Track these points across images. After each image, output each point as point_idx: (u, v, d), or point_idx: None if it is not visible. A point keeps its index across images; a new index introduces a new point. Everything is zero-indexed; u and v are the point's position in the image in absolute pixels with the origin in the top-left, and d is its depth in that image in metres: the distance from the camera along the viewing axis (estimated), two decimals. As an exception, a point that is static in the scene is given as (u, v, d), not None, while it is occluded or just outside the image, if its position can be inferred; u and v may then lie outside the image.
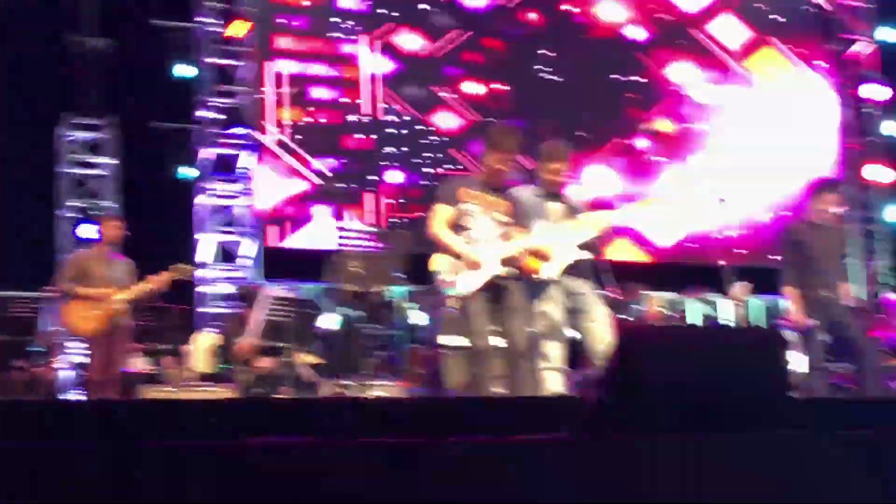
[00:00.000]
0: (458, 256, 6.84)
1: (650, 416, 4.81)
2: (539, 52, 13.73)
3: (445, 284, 6.83)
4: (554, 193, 7.30)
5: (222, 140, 12.92)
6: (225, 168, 12.97)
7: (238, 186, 12.90)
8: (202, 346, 9.99)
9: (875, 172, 14.43)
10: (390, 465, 4.11)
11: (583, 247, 7.14)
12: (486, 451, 4.40)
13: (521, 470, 4.35)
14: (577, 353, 7.49)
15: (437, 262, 6.89)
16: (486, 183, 7.06)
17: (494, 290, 6.88)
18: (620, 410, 4.84)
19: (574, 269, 7.14)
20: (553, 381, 7.07)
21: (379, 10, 13.32)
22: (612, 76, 14.02)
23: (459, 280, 6.80)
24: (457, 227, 6.96)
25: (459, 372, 9.25)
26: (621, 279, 7.32)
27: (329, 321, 11.30)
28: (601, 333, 7.11)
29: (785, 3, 14.95)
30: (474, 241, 6.91)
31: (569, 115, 13.31)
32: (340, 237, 8.22)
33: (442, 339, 9.39)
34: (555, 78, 13.66)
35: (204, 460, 3.80)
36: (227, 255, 12.88)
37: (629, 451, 4.59)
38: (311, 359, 10.23)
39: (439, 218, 6.96)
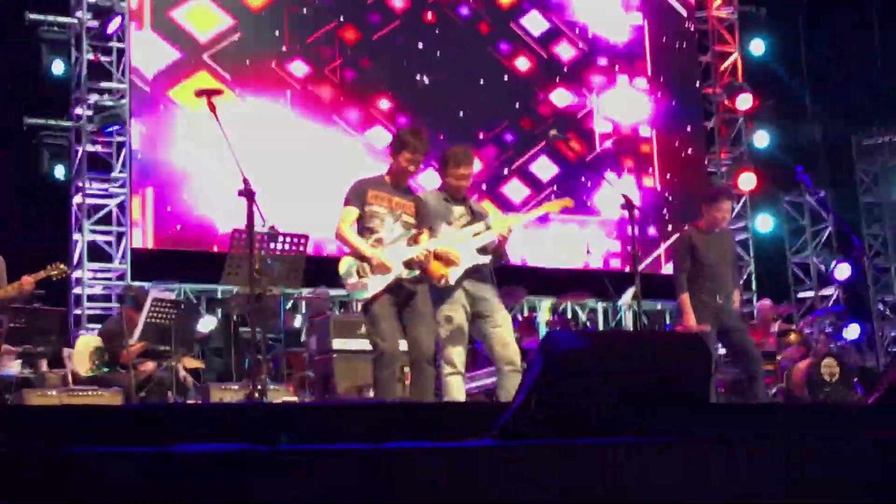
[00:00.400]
0: (365, 259, 6.79)
1: (575, 419, 4.84)
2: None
3: (354, 287, 6.78)
4: (458, 198, 7.29)
5: (98, 138, 12.59)
6: (102, 167, 12.66)
7: (114, 186, 12.60)
8: (84, 349, 9.73)
9: (748, 181, 14.75)
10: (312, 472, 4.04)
11: (485, 251, 7.14)
12: (416, 457, 4.36)
13: (451, 475, 4.31)
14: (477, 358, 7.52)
15: (345, 265, 6.84)
16: (394, 184, 7.04)
17: (400, 293, 6.85)
18: (545, 414, 4.85)
19: (476, 273, 7.14)
20: (456, 387, 7.05)
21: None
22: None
23: (369, 283, 6.76)
24: (364, 228, 6.93)
25: (352, 376, 9.22)
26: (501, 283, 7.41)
27: (207, 324, 11.15)
28: (504, 338, 7.12)
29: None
30: (381, 244, 6.87)
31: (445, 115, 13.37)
32: (235, 238, 8.07)
33: (336, 344, 9.35)
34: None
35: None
36: (103, 254, 12.56)
37: (552, 455, 4.59)
38: (194, 363, 10.07)
39: (347, 220, 6.92)
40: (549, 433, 4.75)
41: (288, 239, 8.33)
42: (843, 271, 15.09)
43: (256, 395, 6.26)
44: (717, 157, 15.36)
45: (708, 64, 15.48)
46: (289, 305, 11.57)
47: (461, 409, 5.95)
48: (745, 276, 14.90)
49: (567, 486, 4.45)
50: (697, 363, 5.07)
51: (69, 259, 12.07)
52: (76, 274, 12.19)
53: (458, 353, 7.08)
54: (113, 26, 12.62)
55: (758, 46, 15.58)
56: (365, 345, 9.49)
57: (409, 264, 6.85)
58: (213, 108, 6.15)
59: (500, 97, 13.93)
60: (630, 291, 9.47)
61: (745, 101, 15.09)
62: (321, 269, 9.79)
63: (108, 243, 12.62)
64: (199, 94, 6.30)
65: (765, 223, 15.40)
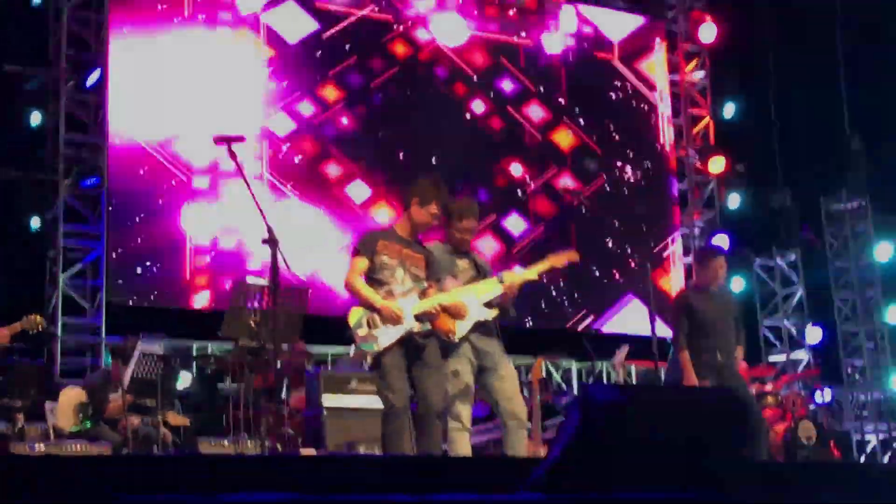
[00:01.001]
0: (377, 311, 6.71)
1: (613, 474, 4.79)
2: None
3: (364, 339, 6.70)
4: (463, 250, 7.26)
5: (76, 190, 12.46)
6: (79, 218, 12.50)
7: (91, 236, 12.44)
8: (68, 403, 9.52)
9: (721, 243, 14.83)
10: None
11: (491, 305, 7.10)
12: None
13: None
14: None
15: (356, 316, 6.75)
16: (403, 235, 6.98)
17: (410, 347, 6.77)
18: (583, 468, 4.79)
19: (483, 328, 7.10)
20: (463, 444, 6.99)
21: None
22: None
23: (379, 335, 6.68)
24: (372, 280, 6.86)
25: (342, 433, 9.10)
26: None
27: (184, 380, 11.00)
28: (510, 392, 7.07)
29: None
30: (392, 296, 6.80)
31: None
32: (236, 288, 7.97)
33: (326, 400, 9.24)
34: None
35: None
36: (77, 307, 12.38)
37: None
38: (178, 419, 9.89)
39: (356, 270, 6.84)
40: (586, 487, 4.69)
41: (291, 292, 8.23)
42: (814, 335, 15.22)
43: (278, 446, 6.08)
44: (691, 218, 15.43)
45: (680, 127, 15.59)
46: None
47: (483, 463, 5.88)
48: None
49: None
50: (735, 419, 5.04)
51: (46, 310, 11.86)
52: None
53: (464, 409, 7.03)
54: (92, 79, 12.52)
55: (729, 110, 15.77)
56: (355, 401, 9.51)
57: (421, 317, 6.77)
58: (233, 155, 6.08)
59: (475, 155, 13.95)
60: (624, 350, 9.44)
61: (717, 164, 15.23)
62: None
63: (83, 296, 12.44)
64: (219, 140, 6.20)
65: (737, 286, 15.47)
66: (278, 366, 11.32)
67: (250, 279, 8.78)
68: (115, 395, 9.39)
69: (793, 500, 4.83)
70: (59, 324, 12.09)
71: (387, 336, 6.70)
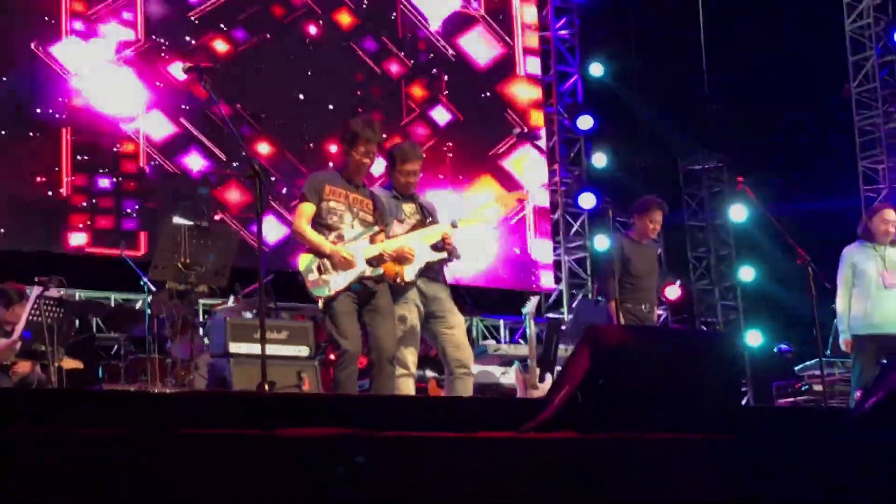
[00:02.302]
0: (327, 256, 6.57)
1: (616, 414, 4.80)
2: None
3: (315, 284, 6.55)
4: (407, 194, 7.17)
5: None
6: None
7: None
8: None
9: (587, 200, 15.02)
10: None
11: (437, 248, 7.04)
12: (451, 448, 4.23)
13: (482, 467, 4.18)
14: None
15: (305, 262, 6.60)
16: (348, 179, 6.85)
17: (362, 292, 6.65)
18: (590, 409, 4.79)
19: (430, 272, 7.03)
20: (407, 388, 6.92)
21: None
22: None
23: (330, 280, 6.54)
24: (320, 224, 6.70)
25: (249, 380, 8.88)
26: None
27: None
28: (458, 340, 7.03)
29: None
30: (342, 241, 6.66)
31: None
32: (165, 230, 7.69)
33: (232, 347, 9.00)
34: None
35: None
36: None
37: (596, 449, 4.54)
38: (73, 363, 9.51)
39: (304, 215, 6.68)
40: (592, 429, 4.68)
41: (220, 234, 7.98)
42: (672, 292, 15.57)
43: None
44: (556, 175, 15.57)
45: (549, 84, 15.70)
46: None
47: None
48: (581, 295, 15.19)
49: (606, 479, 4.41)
50: (731, 363, 5.11)
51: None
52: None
53: (410, 354, 6.98)
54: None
55: (597, 69, 15.96)
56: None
57: (372, 261, 6.65)
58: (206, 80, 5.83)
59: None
60: (534, 301, 9.48)
61: (585, 122, 15.39)
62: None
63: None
64: (189, 70, 5.94)
65: (601, 243, 15.70)
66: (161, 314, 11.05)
67: (177, 219, 8.45)
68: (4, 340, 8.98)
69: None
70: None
71: (338, 281, 6.57)
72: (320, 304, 6.58)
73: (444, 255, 7.02)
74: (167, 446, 3.65)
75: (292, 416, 4.93)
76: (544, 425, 4.76)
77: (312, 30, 13.63)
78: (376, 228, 6.78)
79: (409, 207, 7.13)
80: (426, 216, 7.15)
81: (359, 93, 13.84)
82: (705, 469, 4.40)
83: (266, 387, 5.78)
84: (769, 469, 4.48)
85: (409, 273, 6.85)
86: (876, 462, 4.83)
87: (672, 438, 4.48)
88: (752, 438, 4.67)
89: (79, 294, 11.58)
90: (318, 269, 6.57)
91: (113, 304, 11.86)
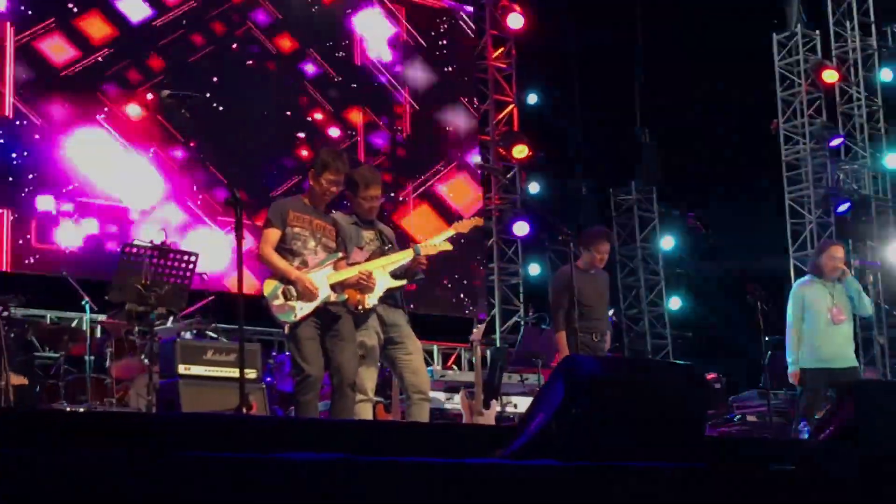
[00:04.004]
0: (291, 282, 6.63)
1: (588, 443, 4.92)
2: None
3: (280, 309, 6.60)
4: (368, 220, 7.25)
5: None
6: None
7: None
8: None
9: (521, 228, 15.15)
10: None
11: (398, 275, 7.12)
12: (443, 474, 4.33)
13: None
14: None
15: (270, 287, 6.65)
16: (313, 206, 6.92)
17: (325, 317, 6.72)
18: (565, 439, 4.90)
19: (390, 299, 7.12)
20: (365, 413, 6.99)
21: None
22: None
23: (296, 306, 6.60)
24: (284, 250, 6.76)
25: (199, 403, 8.89)
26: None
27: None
28: (415, 366, 7.12)
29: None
30: (306, 266, 6.73)
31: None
32: (125, 252, 7.68)
33: (181, 369, 8.99)
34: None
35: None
36: None
37: (574, 476, 4.65)
38: (18, 378, 9.40)
39: (270, 241, 6.74)
40: (566, 458, 4.80)
41: (179, 256, 7.97)
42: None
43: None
44: (491, 202, 15.72)
45: (486, 112, 15.86)
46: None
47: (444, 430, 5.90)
48: (513, 321, 15.33)
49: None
50: (698, 394, 5.26)
51: None
52: None
53: (370, 380, 7.04)
54: None
55: (532, 98, 16.18)
56: (213, 371, 9.30)
57: (336, 287, 6.73)
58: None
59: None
60: (480, 327, 9.60)
61: (520, 151, 15.55)
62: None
63: None
64: (172, 96, 5.98)
65: (534, 270, 15.90)
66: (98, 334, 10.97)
67: (138, 241, 8.44)
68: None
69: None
70: None
71: (303, 307, 6.63)
72: (286, 329, 6.63)
73: (403, 281, 7.11)
74: (163, 469, 3.69)
75: (265, 440, 5.00)
76: (520, 453, 4.88)
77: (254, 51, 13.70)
78: (339, 254, 6.85)
79: (368, 234, 7.21)
80: (385, 243, 7.23)
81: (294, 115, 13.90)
82: (679, 498, 4.53)
83: (245, 409, 5.81)
84: (739, 499, 4.63)
85: (370, 300, 6.92)
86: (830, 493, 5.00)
87: (646, 467, 4.61)
88: (721, 467, 4.82)
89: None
90: (284, 294, 6.63)
91: (48, 322, 11.74)
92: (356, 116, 14.47)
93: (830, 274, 8.90)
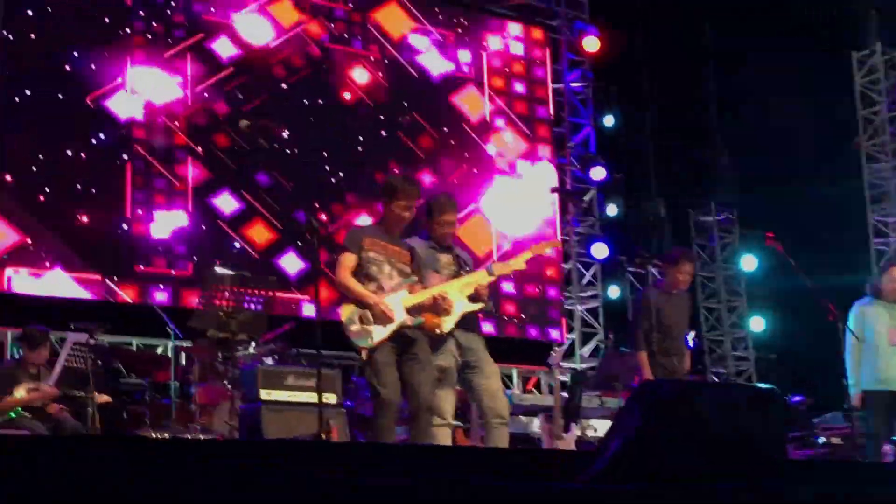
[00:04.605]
0: (368, 306, 6.68)
1: (669, 467, 4.89)
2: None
3: (357, 334, 6.66)
4: (444, 245, 7.30)
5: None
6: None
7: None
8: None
9: (600, 250, 15.10)
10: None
11: (475, 298, 7.15)
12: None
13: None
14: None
15: (347, 312, 6.70)
16: (387, 232, 6.98)
17: (401, 341, 6.77)
18: (642, 464, 4.88)
19: (466, 323, 7.14)
20: (444, 437, 7.01)
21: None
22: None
23: (373, 330, 6.65)
24: (361, 275, 6.83)
25: (281, 428, 8.97)
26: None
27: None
28: (493, 390, 7.14)
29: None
30: (382, 291, 6.78)
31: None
32: (206, 279, 7.83)
33: (263, 394, 9.09)
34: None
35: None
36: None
37: (653, 501, 4.63)
38: (103, 397, 9.57)
39: (346, 266, 6.80)
40: (645, 482, 4.78)
41: (259, 283, 8.08)
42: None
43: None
44: (570, 225, 15.71)
45: (562, 135, 15.86)
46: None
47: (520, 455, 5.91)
48: (593, 344, 15.29)
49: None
50: (775, 416, 5.20)
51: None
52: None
53: (448, 403, 7.06)
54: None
55: (609, 121, 16.15)
56: (293, 396, 9.39)
57: (412, 310, 6.77)
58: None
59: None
60: (559, 351, 9.59)
61: (598, 173, 15.54)
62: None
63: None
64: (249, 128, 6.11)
65: (614, 292, 15.84)
66: (182, 361, 11.14)
67: (219, 269, 8.58)
68: (31, 384, 9.11)
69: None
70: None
71: (379, 331, 6.68)
72: (363, 354, 6.68)
73: (480, 305, 7.14)
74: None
75: (345, 465, 5.04)
76: (599, 478, 4.87)
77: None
78: (414, 279, 6.90)
79: (445, 258, 7.26)
80: (462, 267, 7.27)
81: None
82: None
83: (323, 435, 5.87)
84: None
85: (447, 324, 6.96)
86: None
87: (725, 490, 4.58)
88: (802, 490, 4.77)
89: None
90: (361, 319, 6.68)
91: (135, 349, 11.94)
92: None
93: (891, 295, 8.81)
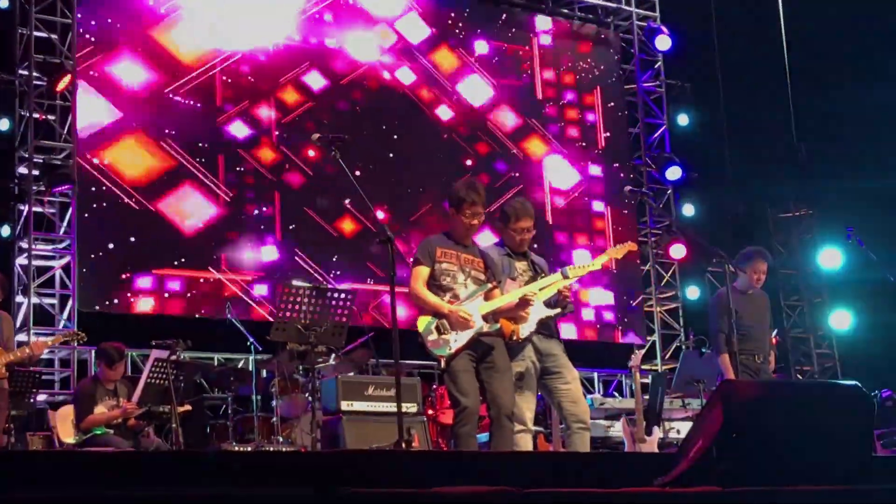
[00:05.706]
0: (444, 316, 6.69)
1: (752, 467, 4.83)
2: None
3: (435, 344, 6.67)
4: (520, 252, 7.28)
5: (44, 198, 12.15)
6: (47, 227, 12.22)
7: (60, 246, 12.19)
8: (65, 416, 9.35)
9: (678, 251, 14.96)
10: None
11: (552, 304, 7.13)
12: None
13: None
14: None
15: (424, 323, 6.73)
16: (458, 241, 6.98)
17: (478, 349, 6.76)
18: (726, 464, 4.83)
19: (545, 329, 7.12)
20: (525, 444, 7.00)
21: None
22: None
23: (450, 339, 6.66)
24: (435, 286, 6.83)
25: (362, 438, 9.03)
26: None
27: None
28: (574, 395, 7.10)
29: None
30: (458, 300, 6.79)
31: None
32: (283, 292, 7.91)
33: (344, 405, 9.17)
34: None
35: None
36: (46, 317, 12.06)
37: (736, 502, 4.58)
38: (185, 407, 9.71)
39: (420, 278, 6.82)
40: (727, 483, 4.73)
41: (336, 294, 8.13)
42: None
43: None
44: (647, 226, 15.61)
45: (638, 135, 15.77)
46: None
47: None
48: (674, 346, 15.17)
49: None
50: (861, 413, 5.12)
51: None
52: (20, 336, 11.60)
53: (528, 410, 7.05)
54: (62, 84, 12.20)
55: (683, 119, 16.02)
56: (373, 406, 9.46)
57: (488, 317, 6.77)
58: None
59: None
60: (638, 353, 9.54)
61: (674, 173, 15.42)
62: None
63: (52, 306, 12.15)
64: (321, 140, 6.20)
65: (693, 293, 15.69)
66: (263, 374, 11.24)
67: (296, 282, 8.67)
68: (111, 401, 9.29)
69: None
70: (30, 334, 11.76)
71: (457, 340, 6.69)
72: (442, 363, 6.69)
73: (557, 310, 7.12)
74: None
75: (427, 474, 5.05)
76: (680, 479, 4.83)
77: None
78: (489, 286, 6.90)
79: (521, 265, 7.24)
80: (538, 273, 7.24)
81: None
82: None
83: (404, 445, 5.89)
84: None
85: (524, 330, 6.95)
86: None
87: (810, 490, 4.52)
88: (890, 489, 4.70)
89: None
90: (438, 329, 6.69)
91: (216, 364, 12.06)
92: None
93: None
